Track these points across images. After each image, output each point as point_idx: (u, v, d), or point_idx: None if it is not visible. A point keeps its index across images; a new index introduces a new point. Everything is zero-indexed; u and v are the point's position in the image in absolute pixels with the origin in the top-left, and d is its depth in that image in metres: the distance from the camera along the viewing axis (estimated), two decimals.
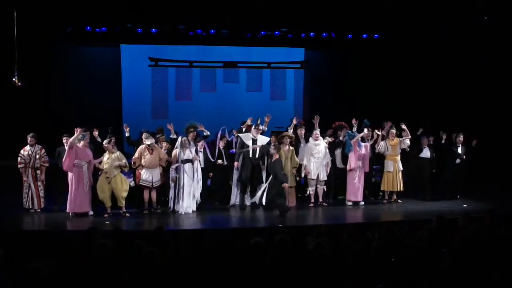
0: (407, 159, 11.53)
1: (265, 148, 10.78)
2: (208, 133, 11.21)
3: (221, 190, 11.37)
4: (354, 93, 14.60)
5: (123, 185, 10.03)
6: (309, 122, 11.51)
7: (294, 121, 11.48)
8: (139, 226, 9.44)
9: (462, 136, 11.66)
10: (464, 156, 11.64)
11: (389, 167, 11.18)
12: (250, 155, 10.77)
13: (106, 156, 9.98)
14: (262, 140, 10.89)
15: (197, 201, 10.44)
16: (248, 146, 10.75)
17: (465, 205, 10.80)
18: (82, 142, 9.93)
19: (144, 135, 10.56)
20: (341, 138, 11.32)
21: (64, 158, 9.86)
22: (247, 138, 10.84)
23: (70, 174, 9.94)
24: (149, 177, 10.31)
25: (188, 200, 10.24)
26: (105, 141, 10.13)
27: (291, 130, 11.25)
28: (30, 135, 10.38)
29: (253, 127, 10.89)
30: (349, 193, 11.16)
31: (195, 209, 10.33)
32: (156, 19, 13.27)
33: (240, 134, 10.98)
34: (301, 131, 11.34)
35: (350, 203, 11.10)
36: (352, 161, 10.97)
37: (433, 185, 11.79)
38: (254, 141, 10.81)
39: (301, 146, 11.20)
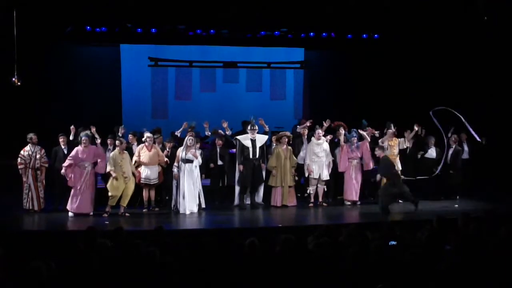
0: (409, 160, 11.51)
1: (263, 147, 10.86)
2: (209, 133, 11.22)
3: (220, 190, 11.39)
4: (354, 93, 14.59)
5: (133, 185, 10.12)
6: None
7: (308, 123, 11.42)
8: (139, 226, 9.44)
9: (455, 137, 11.72)
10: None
11: None
12: (251, 156, 10.78)
13: (119, 157, 9.96)
14: (261, 139, 10.91)
15: (199, 201, 10.46)
16: (247, 148, 10.76)
17: (456, 206, 10.84)
18: (83, 144, 9.96)
19: (144, 131, 10.72)
20: (340, 138, 11.33)
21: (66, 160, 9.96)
22: (245, 139, 10.86)
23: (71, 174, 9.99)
24: (148, 175, 10.35)
25: (190, 200, 10.24)
26: (117, 142, 10.16)
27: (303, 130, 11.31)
28: (33, 134, 10.36)
29: (248, 128, 10.90)
30: (346, 193, 11.18)
31: (196, 210, 10.32)
32: (156, 19, 13.26)
33: (238, 137, 11.01)
34: (304, 131, 11.36)
35: (349, 203, 11.12)
36: (342, 163, 10.99)
37: (434, 185, 11.81)
38: (253, 142, 10.82)
39: (304, 145, 11.22)
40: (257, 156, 10.82)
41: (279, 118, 12.24)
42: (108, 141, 10.83)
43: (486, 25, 12.21)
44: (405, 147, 11.40)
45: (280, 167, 10.86)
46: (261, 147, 10.87)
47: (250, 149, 10.78)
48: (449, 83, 13.80)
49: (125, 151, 10.16)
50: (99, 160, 10.12)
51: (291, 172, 10.90)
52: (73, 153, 9.99)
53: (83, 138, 10.06)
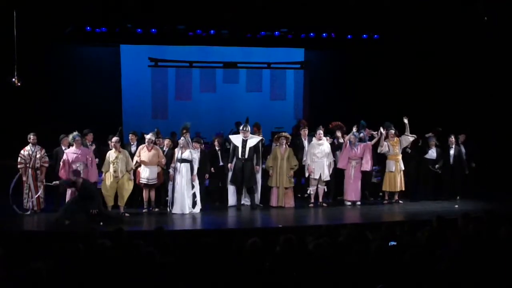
0: (409, 159, 11.51)
1: (256, 148, 10.80)
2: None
3: (219, 191, 11.38)
4: (354, 94, 14.59)
5: (129, 185, 10.08)
6: (311, 122, 11.52)
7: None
8: (139, 226, 9.44)
9: (453, 137, 11.73)
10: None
11: (391, 167, 11.15)
12: (240, 156, 10.75)
13: (113, 156, 9.97)
14: (252, 140, 10.83)
15: (194, 202, 10.40)
16: (237, 147, 10.74)
17: (456, 206, 10.84)
18: (75, 143, 9.93)
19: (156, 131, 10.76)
20: (339, 138, 11.34)
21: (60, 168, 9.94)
22: (237, 139, 10.85)
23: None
24: (147, 175, 10.32)
25: (181, 200, 10.21)
26: (114, 139, 10.08)
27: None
28: (33, 134, 10.35)
29: (240, 128, 10.88)
30: (346, 193, 11.17)
31: (188, 211, 10.19)
32: (156, 19, 13.27)
33: (230, 136, 11.01)
34: (304, 131, 11.35)
35: (349, 203, 11.11)
36: (343, 161, 11.00)
37: (433, 185, 11.82)
38: (244, 142, 10.79)
39: (305, 146, 11.22)
40: (246, 156, 10.72)
41: (279, 118, 12.25)
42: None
43: (486, 25, 12.21)
44: (408, 149, 11.36)
45: (276, 168, 10.84)
46: (252, 148, 10.76)
47: (240, 149, 10.76)
48: (449, 83, 13.81)
49: (123, 150, 10.15)
50: (89, 165, 10.04)
51: (287, 173, 10.85)
52: (64, 156, 9.96)
53: (76, 138, 10.01)
